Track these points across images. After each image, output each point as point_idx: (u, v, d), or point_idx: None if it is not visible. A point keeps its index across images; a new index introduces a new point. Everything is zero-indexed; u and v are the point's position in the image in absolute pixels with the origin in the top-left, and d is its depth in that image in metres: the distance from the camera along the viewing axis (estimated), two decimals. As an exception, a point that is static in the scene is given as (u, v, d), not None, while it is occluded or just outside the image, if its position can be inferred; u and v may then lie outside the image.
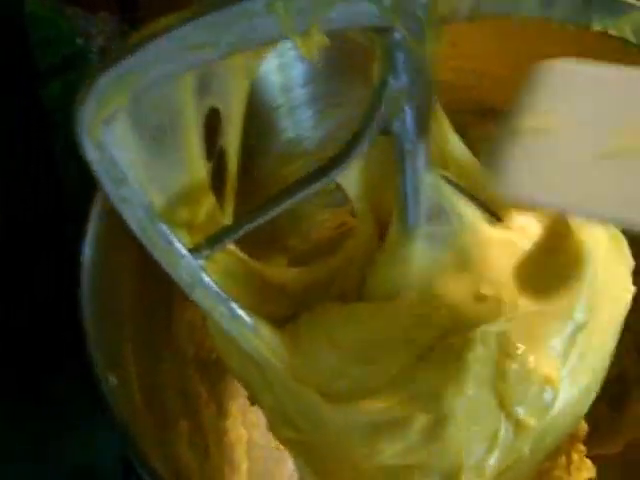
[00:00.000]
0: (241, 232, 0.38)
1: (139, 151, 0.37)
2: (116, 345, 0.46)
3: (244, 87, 0.40)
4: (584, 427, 0.55)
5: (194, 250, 0.37)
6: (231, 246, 0.42)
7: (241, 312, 0.39)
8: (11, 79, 0.66)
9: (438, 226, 0.42)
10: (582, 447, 0.56)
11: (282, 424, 0.45)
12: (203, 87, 0.38)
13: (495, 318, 0.42)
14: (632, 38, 0.38)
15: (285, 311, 0.43)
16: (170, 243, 0.36)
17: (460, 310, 0.43)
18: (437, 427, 0.41)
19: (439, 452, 0.42)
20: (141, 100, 0.35)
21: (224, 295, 0.39)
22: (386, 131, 0.38)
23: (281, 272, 0.45)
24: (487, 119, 0.57)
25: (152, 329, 0.49)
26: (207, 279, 0.38)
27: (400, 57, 0.36)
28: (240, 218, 0.39)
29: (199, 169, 0.39)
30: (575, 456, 0.55)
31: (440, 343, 0.42)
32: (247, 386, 0.46)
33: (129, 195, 0.35)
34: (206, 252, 0.37)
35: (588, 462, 0.56)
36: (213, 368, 0.54)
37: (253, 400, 0.46)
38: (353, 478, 0.45)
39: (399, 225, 0.41)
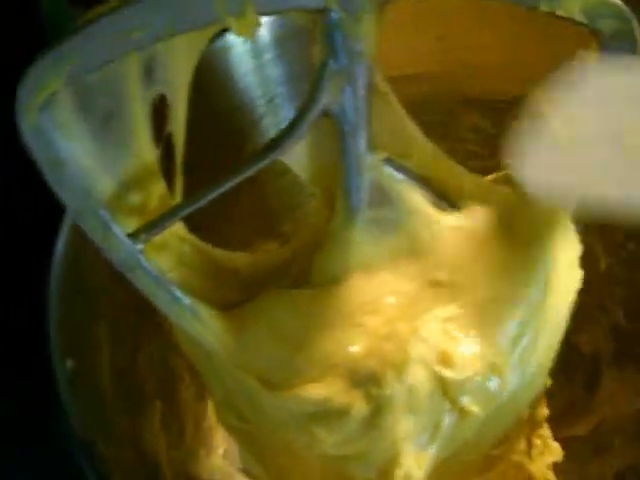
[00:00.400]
0: (179, 217, 0.38)
1: (86, 138, 0.37)
2: (84, 327, 0.46)
3: (187, 73, 0.40)
4: (544, 412, 0.54)
5: (133, 235, 0.37)
6: (186, 232, 0.42)
7: (180, 295, 0.39)
8: (12, 78, 0.66)
9: (382, 211, 0.42)
10: (545, 432, 0.55)
11: (228, 411, 0.44)
12: (148, 74, 0.38)
13: (449, 304, 0.41)
14: (582, 18, 0.38)
15: (239, 296, 0.43)
16: (109, 228, 0.36)
17: (411, 296, 0.42)
18: (376, 416, 0.40)
19: (376, 441, 0.41)
20: (88, 88, 0.36)
21: (162, 279, 0.38)
22: (327, 113, 0.38)
23: (237, 257, 0.45)
24: (472, 108, 0.58)
25: (133, 311, 0.49)
26: (145, 263, 0.37)
27: (338, 38, 0.36)
28: (179, 204, 0.39)
29: (148, 155, 0.40)
30: (537, 441, 0.54)
31: (384, 328, 0.41)
32: (198, 370, 0.46)
33: (67, 180, 0.35)
34: (144, 237, 0.37)
35: (554, 446, 0.55)
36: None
37: (205, 384, 0.46)
38: (292, 468, 0.45)
39: (343, 208, 0.41)
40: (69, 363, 0.42)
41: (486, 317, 0.41)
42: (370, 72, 0.37)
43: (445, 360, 0.40)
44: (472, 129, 0.59)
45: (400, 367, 0.40)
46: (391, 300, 0.42)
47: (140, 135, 0.39)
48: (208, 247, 0.43)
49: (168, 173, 0.41)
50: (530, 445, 0.53)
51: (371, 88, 0.38)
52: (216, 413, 0.47)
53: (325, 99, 0.37)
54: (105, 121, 0.37)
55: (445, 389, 0.41)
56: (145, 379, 0.50)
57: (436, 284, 0.42)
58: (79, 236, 0.44)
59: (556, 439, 0.56)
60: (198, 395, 0.55)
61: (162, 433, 0.50)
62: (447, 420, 0.41)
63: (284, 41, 0.53)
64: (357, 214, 0.41)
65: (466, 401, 0.41)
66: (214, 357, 0.42)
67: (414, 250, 0.42)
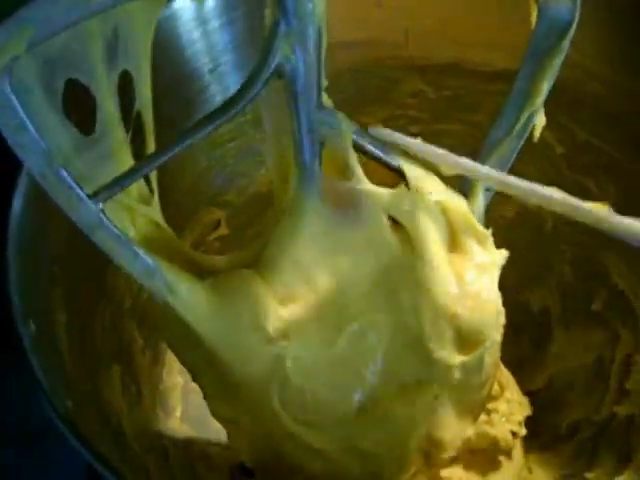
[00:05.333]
0: (137, 177, 0.39)
1: (52, 113, 0.38)
2: (42, 291, 0.46)
3: (147, 45, 0.41)
4: (497, 388, 0.56)
5: (93, 195, 0.37)
6: (165, 225, 0.44)
7: (144, 255, 0.39)
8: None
9: (343, 184, 0.43)
10: (511, 393, 0.57)
11: (222, 401, 0.44)
12: (111, 51, 0.40)
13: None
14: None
15: None
16: (70, 188, 0.37)
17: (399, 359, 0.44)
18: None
19: None
20: (53, 68, 0.37)
21: (124, 238, 0.38)
22: (279, 73, 0.39)
23: (211, 260, 0.46)
24: (412, 74, 0.59)
25: (87, 277, 0.49)
26: (107, 222, 0.38)
27: (290, 0, 0.37)
28: (137, 164, 0.40)
29: (116, 128, 0.41)
30: (502, 407, 0.56)
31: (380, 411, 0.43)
32: (188, 365, 0.45)
33: (27, 142, 0.36)
34: (104, 196, 0.38)
35: (524, 402, 0.58)
36: (150, 318, 0.54)
37: (194, 378, 0.45)
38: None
39: (298, 172, 0.42)
40: (32, 325, 0.42)
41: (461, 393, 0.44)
42: (320, 32, 0.38)
43: (437, 444, 0.44)
44: (413, 94, 0.60)
45: (402, 464, 0.44)
46: (376, 340, 0.43)
47: (108, 113, 0.41)
48: (189, 249, 0.45)
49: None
50: (490, 415, 0.55)
51: (322, 48, 0.39)
52: (208, 405, 0.45)
53: (277, 59, 0.38)
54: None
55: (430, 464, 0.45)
56: (101, 343, 0.51)
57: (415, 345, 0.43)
58: (34, 204, 0.45)
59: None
60: (153, 359, 0.55)
61: (122, 396, 0.50)
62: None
63: (230, 9, 0.54)
64: (311, 174, 0.42)
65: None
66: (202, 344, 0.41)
67: (378, 269, 0.43)
